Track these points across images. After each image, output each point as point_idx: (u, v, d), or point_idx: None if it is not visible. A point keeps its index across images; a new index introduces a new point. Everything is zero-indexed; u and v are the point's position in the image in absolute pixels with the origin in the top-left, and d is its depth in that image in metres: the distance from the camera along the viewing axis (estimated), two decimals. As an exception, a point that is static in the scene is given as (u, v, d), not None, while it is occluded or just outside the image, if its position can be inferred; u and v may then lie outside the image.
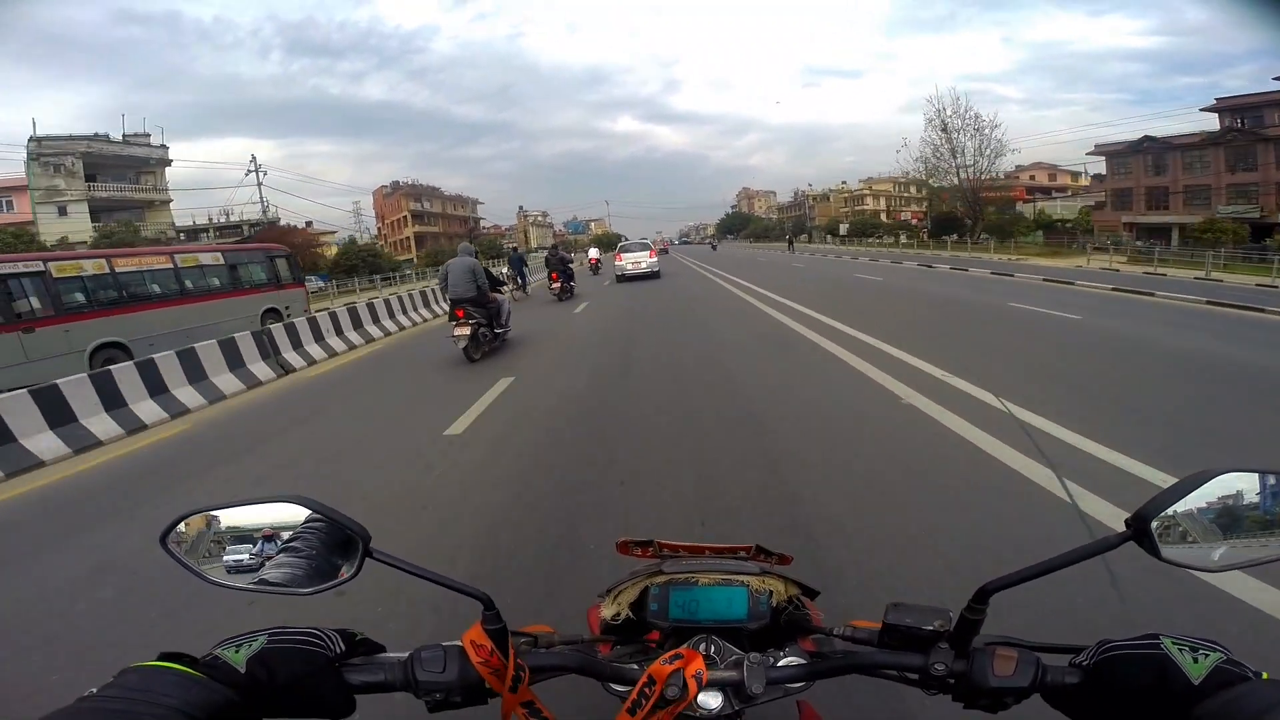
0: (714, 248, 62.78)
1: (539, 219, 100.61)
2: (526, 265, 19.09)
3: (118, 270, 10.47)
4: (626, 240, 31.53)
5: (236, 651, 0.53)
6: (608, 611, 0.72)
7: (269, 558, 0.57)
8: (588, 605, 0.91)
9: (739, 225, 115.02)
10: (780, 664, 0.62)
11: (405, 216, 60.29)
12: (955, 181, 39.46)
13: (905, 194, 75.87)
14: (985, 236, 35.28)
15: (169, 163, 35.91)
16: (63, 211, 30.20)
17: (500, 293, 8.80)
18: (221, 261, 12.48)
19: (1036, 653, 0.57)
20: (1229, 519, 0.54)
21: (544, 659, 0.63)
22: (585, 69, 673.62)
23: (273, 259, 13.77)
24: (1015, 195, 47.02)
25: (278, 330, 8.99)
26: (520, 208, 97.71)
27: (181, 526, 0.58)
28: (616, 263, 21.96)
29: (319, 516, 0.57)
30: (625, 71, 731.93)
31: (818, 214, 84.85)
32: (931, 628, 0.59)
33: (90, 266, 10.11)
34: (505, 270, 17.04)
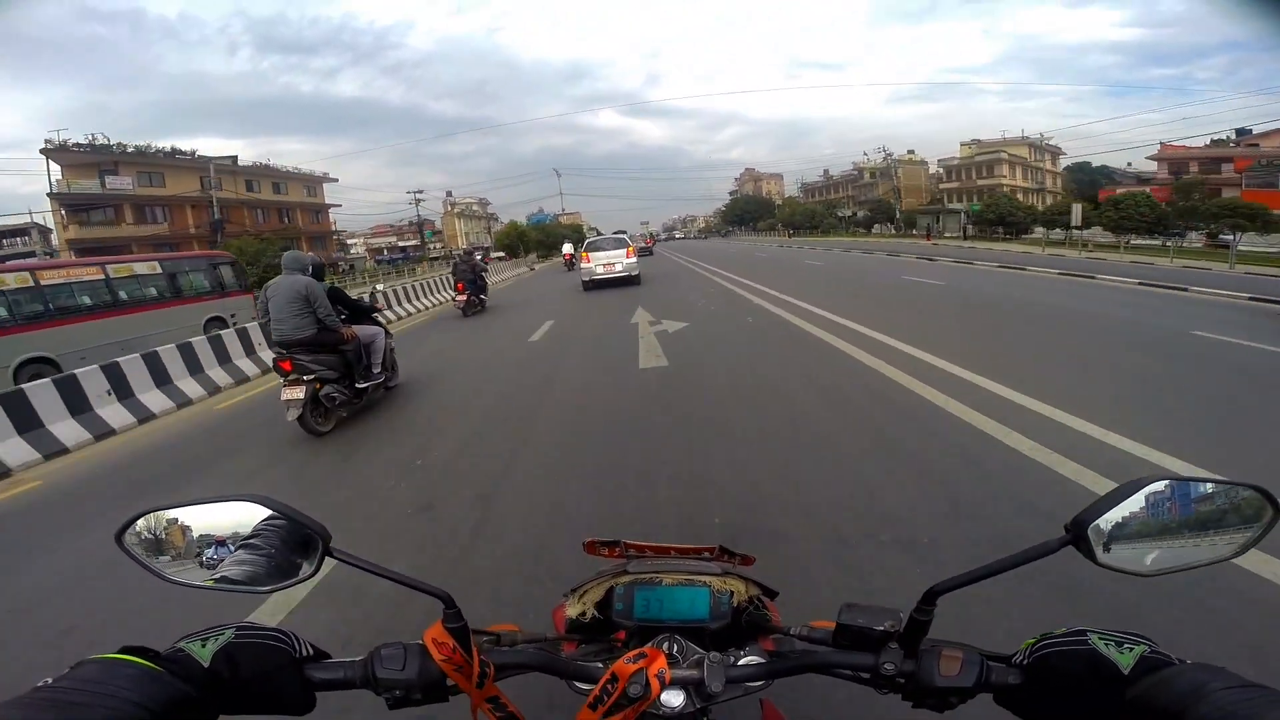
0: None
1: (469, 209, 75.48)
2: (486, 272, 15.22)
3: (44, 283, 10.10)
4: (597, 235, 25.52)
5: (203, 646, 0.53)
6: (573, 610, 0.74)
7: (227, 556, 0.56)
8: (553, 604, 0.87)
9: (754, 213, 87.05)
10: (740, 663, 0.64)
11: (61, 211, 30.10)
12: None
13: (1039, 162, 53.48)
14: None
15: None
16: None
17: (376, 320, 6.25)
18: (159, 271, 12.18)
19: (981, 654, 0.58)
20: (1160, 525, 0.56)
21: (506, 657, 0.63)
22: (566, 63, 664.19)
23: (215, 266, 13.45)
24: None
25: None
26: (448, 193, 73.47)
27: (138, 525, 0.57)
28: (583, 264, 16.79)
29: (279, 515, 0.57)
30: (607, 65, 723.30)
31: (880, 192, 61.84)
32: (882, 628, 0.59)
33: (12, 280, 9.73)
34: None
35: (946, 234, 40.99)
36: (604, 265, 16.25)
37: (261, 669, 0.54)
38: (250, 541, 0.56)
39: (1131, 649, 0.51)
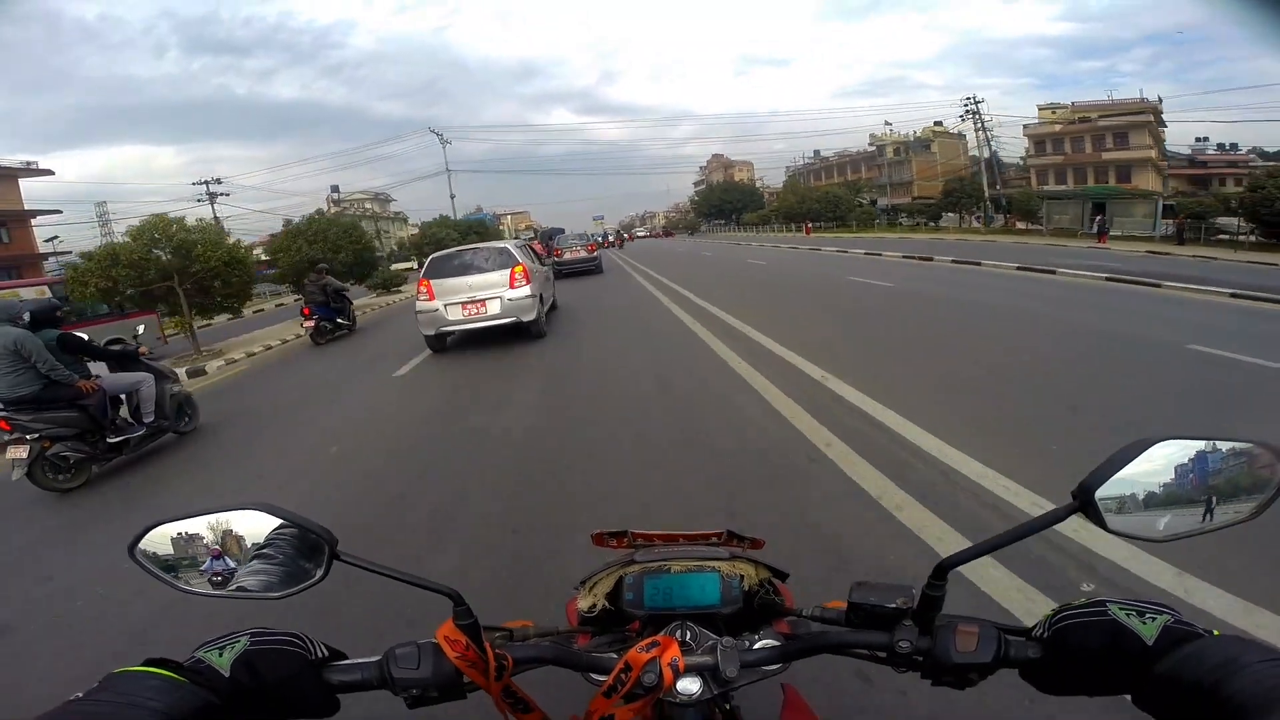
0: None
1: (360, 206, 54.89)
2: (347, 294, 12.70)
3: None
4: (473, 245, 10.15)
5: (220, 655, 0.54)
6: (584, 603, 0.74)
7: (236, 565, 0.58)
8: (566, 598, 0.87)
9: (735, 203, 68.51)
10: (755, 647, 0.63)
11: None
12: None
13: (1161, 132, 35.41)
14: None
15: None
16: None
17: (148, 365, 5.50)
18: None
19: (999, 628, 0.57)
20: (1171, 488, 0.54)
21: (520, 651, 0.64)
22: (517, 61, 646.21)
23: (113, 286, 13.23)
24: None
25: None
26: (333, 188, 58.45)
27: (150, 536, 0.58)
28: (422, 302, 8.41)
29: (285, 522, 0.58)
30: (559, 64, 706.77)
31: (916, 173, 49.00)
32: (894, 605, 0.59)
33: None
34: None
35: (1116, 231, 23.15)
36: (463, 305, 8.34)
37: (281, 675, 0.54)
38: (264, 551, 0.57)
39: (1154, 619, 0.50)
